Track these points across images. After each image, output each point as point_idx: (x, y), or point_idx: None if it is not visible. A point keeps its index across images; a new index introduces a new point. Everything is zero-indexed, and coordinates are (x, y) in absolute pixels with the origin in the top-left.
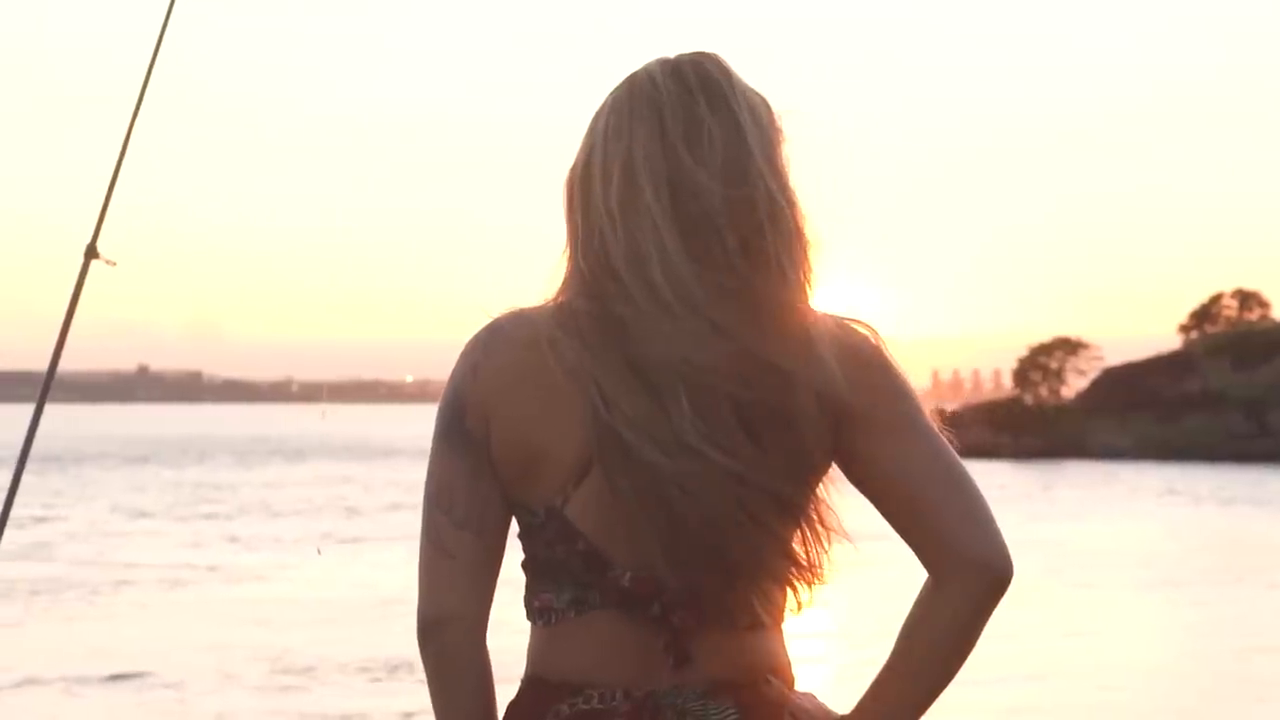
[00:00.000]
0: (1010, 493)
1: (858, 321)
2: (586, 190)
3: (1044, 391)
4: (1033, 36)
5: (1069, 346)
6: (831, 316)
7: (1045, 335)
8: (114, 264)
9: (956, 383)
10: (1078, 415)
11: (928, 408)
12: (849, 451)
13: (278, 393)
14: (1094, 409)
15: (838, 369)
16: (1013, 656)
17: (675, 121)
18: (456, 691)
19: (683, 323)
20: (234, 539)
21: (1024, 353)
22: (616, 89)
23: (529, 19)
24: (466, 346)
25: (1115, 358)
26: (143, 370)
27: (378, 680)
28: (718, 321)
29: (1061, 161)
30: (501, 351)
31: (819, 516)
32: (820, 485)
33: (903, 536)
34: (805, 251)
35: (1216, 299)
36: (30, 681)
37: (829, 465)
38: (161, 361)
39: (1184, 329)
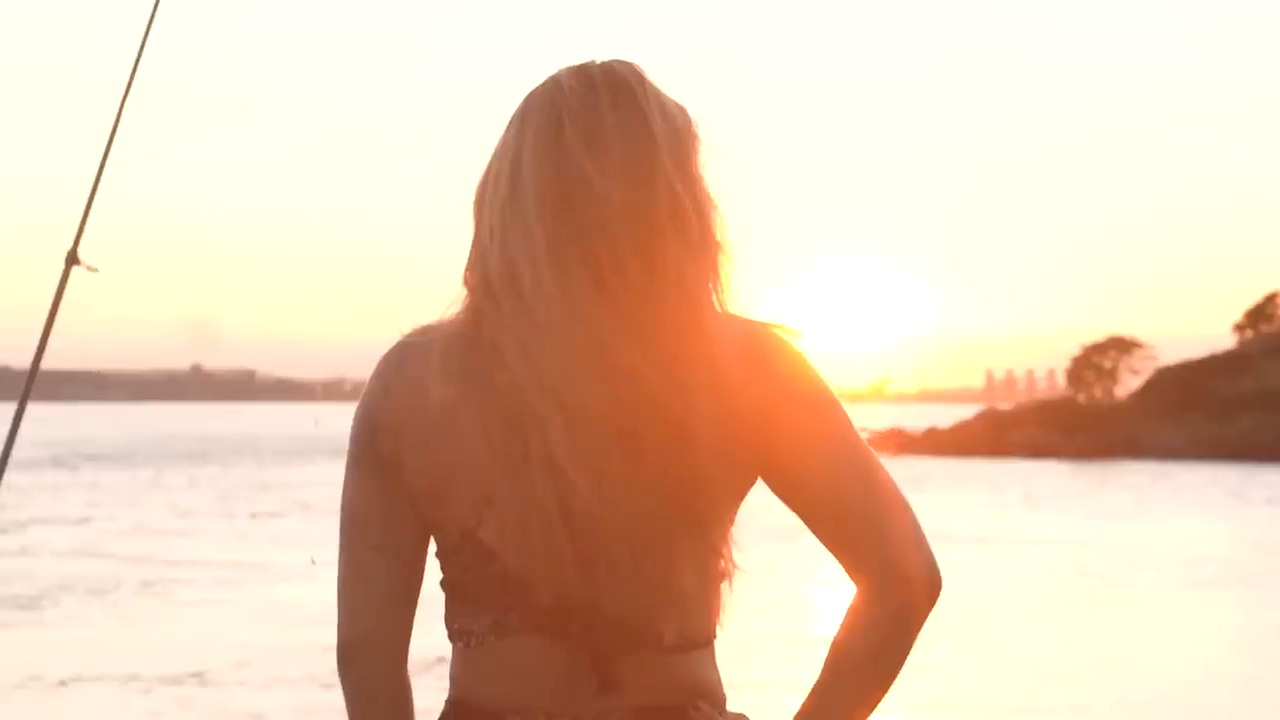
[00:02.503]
0: (1062, 492)
1: (779, 326)
2: (480, 204)
3: (1098, 391)
4: (1085, 34)
5: (1123, 346)
6: (747, 321)
7: (1099, 334)
8: (95, 270)
9: (1010, 382)
10: (1131, 415)
11: (981, 407)
12: (770, 464)
13: (330, 392)
14: (1148, 408)
15: (747, 380)
16: (1060, 659)
17: (575, 121)
18: (376, 717)
19: (552, 343)
20: (284, 538)
21: (1078, 352)
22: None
23: (554, 17)
24: (378, 365)
25: (1169, 357)
26: (196, 369)
27: (415, 675)
28: (598, 337)
29: (1115, 160)
30: (412, 371)
31: (713, 542)
32: (725, 508)
33: (829, 549)
34: (713, 257)
35: (1272, 298)
36: (78, 679)
37: (745, 484)
38: (215, 361)
39: (1239, 328)
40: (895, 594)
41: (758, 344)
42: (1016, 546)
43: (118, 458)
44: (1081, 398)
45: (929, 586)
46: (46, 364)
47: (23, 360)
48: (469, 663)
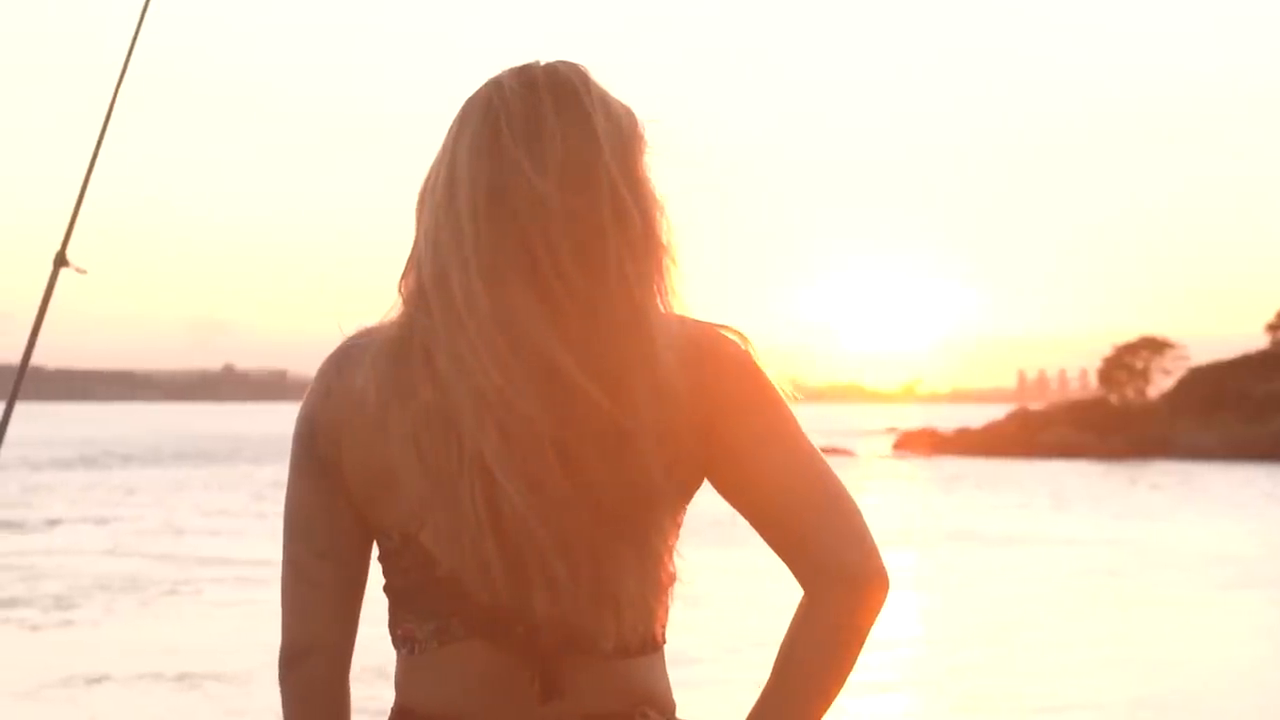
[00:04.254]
0: (1093, 493)
1: (725, 328)
2: (420, 210)
3: (1130, 391)
4: (1116, 32)
5: (1154, 346)
6: (694, 323)
7: (1131, 334)
8: (84, 272)
9: (1042, 382)
10: (1163, 415)
11: (1013, 407)
12: (716, 464)
13: None
14: (1179, 409)
15: (692, 383)
16: (1085, 658)
17: (513, 122)
18: None
19: (484, 350)
20: None
21: (1109, 352)
22: None
23: (571, 18)
24: (321, 367)
25: (1201, 357)
26: (228, 369)
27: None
28: (533, 343)
29: (1148, 160)
30: (354, 373)
31: (654, 549)
32: (668, 514)
33: (775, 551)
34: (658, 258)
35: None
36: (108, 678)
37: (689, 488)
38: (247, 361)
39: (1271, 328)
40: (841, 598)
41: (703, 346)
42: (1046, 546)
43: (149, 457)
44: (1113, 398)
45: (875, 590)
46: (82, 364)
47: (42, 359)
48: (412, 670)
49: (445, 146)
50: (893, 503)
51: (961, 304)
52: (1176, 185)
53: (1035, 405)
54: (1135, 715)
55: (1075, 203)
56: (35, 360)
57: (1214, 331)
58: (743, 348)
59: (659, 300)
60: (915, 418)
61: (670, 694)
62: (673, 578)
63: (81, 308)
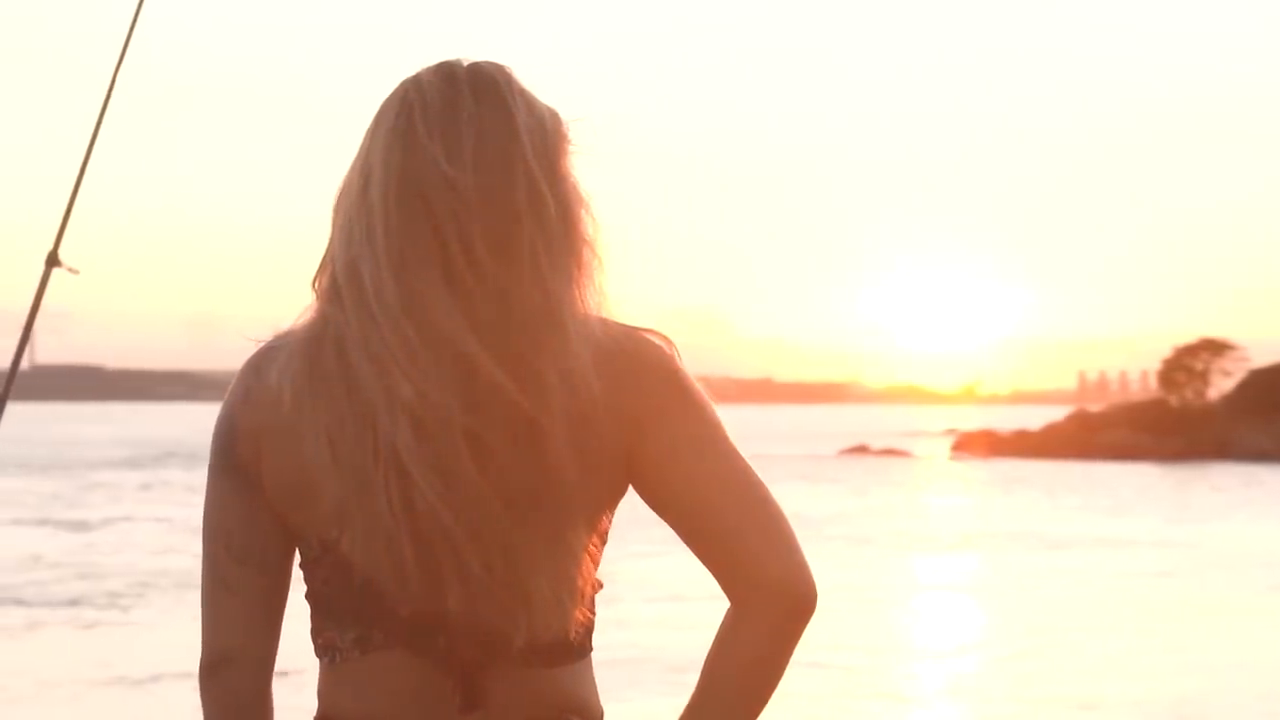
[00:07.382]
0: (1150, 495)
1: (648, 330)
2: (336, 210)
3: (1189, 393)
4: (1171, 32)
5: (1214, 348)
6: (616, 324)
7: (1191, 336)
8: (77, 272)
9: (1103, 383)
10: (1222, 417)
11: (1072, 408)
12: (639, 470)
13: None
14: (1239, 411)
15: (612, 384)
16: (1131, 658)
17: (429, 115)
18: None
19: (395, 341)
20: None
21: (1169, 354)
22: None
23: (591, 19)
24: (240, 370)
25: (1262, 358)
26: None
27: None
28: (443, 333)
29: (1209, 160)
30: (270, 376)
31: (572, 550)
32: (584, 515)
33: (701, 560)
34: (578, 252)
35: None
36: (163, 676)
37: (610, 492)
38: None
39: None
40: (767, 610)
41: (624, 347)
42: (1103, 549)
43: (206, 457)
44: (1173, 400)
45: (803, 598)
46: (143, 365)
47: (102, 359)
48: (334, 679)
49: (362, 144)
50: (951, 505)
51: (1022, 305)
52: (1238, 185)
53: (1094, 407)
54: (1178, 713)
55: (1136, 203)
56: (95, 361)
57: (1275, 333)
58: (666, 350)
59: (578, 295)
60: (974, 419)
61: (597, 703)
62: (596, 585)
63: (139, 309)
